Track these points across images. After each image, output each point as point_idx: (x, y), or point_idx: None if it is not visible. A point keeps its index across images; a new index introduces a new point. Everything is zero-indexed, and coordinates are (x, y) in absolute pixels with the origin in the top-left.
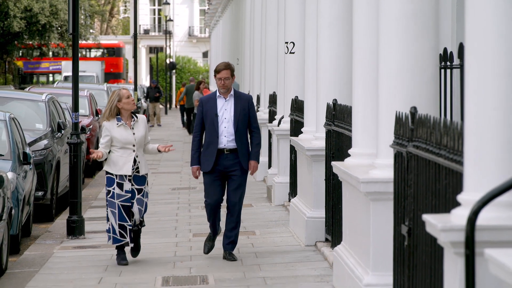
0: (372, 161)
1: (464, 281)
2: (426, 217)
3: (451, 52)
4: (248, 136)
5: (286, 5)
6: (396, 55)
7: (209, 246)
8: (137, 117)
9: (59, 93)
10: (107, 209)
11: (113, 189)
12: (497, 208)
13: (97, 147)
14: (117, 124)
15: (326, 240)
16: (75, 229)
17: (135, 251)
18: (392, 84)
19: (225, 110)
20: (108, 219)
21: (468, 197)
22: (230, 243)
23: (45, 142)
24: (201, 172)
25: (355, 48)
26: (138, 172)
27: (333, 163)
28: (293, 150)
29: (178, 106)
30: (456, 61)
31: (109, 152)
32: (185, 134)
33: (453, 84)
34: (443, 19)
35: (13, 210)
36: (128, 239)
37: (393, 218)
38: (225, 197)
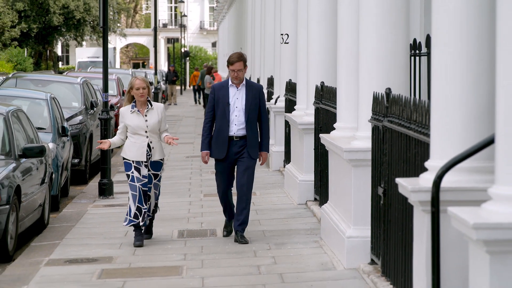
0: (353, 133)
1: (430, 233)
2: (399, 180)
3: (419, 42)
4: (258, 125)
5: (282, 2)
6: (374, 44)
7: (227, 230)
8: (151, 105)
9: (92, 77)
10: (129, 192)
11: (132, 173)
12: (458, 173)
13: None
14: (131, 110)
15: (315, 199)
16: (105, 190)
17: (147, 233)
18: (370, 69)
19: (237, 99)
20: (130, 213)
21: (433, 163)
22: (241, 224)
23: (80, 117)
24: (211, 158)
25: (339, 39)
26: (151, 158)
27: (321, 135)
28: (287, 124)
29: (191, 87)
30: (424, 49)
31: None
32: (198, 110)
33: (421, 69)
34: (413, 14)
35: (53, 175)
36: (140, 220)
37: (371, 181)
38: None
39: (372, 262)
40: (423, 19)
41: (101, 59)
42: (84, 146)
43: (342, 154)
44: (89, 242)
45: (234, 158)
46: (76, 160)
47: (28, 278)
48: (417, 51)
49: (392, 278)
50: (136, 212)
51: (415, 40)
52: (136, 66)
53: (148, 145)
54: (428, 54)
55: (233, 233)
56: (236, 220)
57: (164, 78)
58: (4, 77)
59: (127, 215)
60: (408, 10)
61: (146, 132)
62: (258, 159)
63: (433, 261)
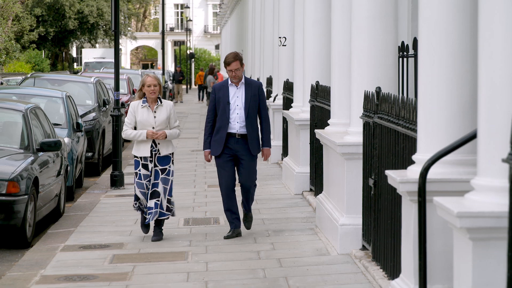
0: (346, 129)
1: (417, 221)
2: (388, 172)
3: (407, 45)
4: (258, 121)
5: (279, 7)
6: (365, 46)
7: (228, 235)
8: (161, 102)
9: (104, 77)
10: (135, 190)
11: (139, 170)
12: (443, 165)
13: None
14: (142, 105)
15: (311, 190)
16: (116, 181)
17: (156, 236)
18: (361, 69)
19: (237, 98)
20: (135, 199)
21: (420, 157)
22: (245, 206)
23: (93, 114)
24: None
25: (333, 41)
26: (159, 153)
27: (316, 130)
28: (285, 121)
29: (197, 86)
30: (411, 51)
31: None
32: (201, 107)
33: (409, 69)
34: (401, 18)
35: (68, 167)
36: (137, 209)
37: (362, 173)
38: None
39: (364, 248)
40: (411, 23)
41: (107, 60)
42: (97, 141)
43: (336, 148)
44: (102, 230)
45: (235, 155)
46: (89, 154)
47: (45, 262)
48: (405, 53)
49: (382, 263)
50: (137, 202)
51: (403, 42)
52: (145, 67)
53: (154, 141)
54: (415, 56)
55: (230, 234)
56: (243, 205)
57: (171, 78)
58: (23, 77)
59: (146, 214)
60: (397, 15)
61: (153, 128)
62: (261, 155)
63: (420, 247)
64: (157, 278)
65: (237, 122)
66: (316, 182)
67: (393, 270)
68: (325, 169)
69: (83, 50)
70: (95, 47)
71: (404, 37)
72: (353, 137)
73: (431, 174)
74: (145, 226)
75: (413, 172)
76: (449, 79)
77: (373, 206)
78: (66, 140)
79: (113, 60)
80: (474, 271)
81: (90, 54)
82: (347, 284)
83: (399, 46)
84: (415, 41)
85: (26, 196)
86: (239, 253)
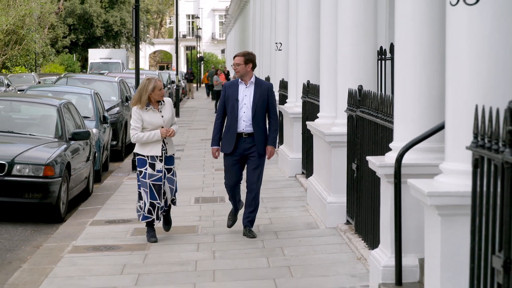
0: (332, 121)
1: (394, 200)
2: (369, 158)
3: (385, 49)
4: (267, 121)
5: (276, 17)
6: (349, 51)
7: (232, 220)
8: (163, 101)
9: (126, 77)
10: (139, 188)
11: (145, 169)
12: (415, 152)
13: None
14: (146, 108)
15: (302, 173)
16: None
17: (166, 224)
18: (346, 70)
19: (245, 96)
20: (139, 198)
21: (396, 144)
22: (249, 221)
23: (117, 109)
24: (221, 153)
25: (322, 46)
26: (166, 152)
27: (307, 122)
28: (280, 114)
29: (204, 84)
30: (388, 55)
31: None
32: (209, 102)
33: (386, 70)
34: (380, 26)
35: (96, 154)
36: (154, 217)
37: (346, 158)
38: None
39: (348, 222)
40: (388, 31)
41: (113, 60)
42: (121, 131)
43: (324, 137)
44: (124, 207)
45: (243, 155)
46: (114, 142)
47: (76, 235)
48: (383, 56)
49: (363, 235)
50: (150, 208)
51: (381, 47)
52: (161, 68)
53: (163, 141)
54: (392, 59)
55: (233, 224)
56: (245, 216)
57: (183, 78)
58: (57, 77)
59: (140, 211)
60: (376, 24)
61: (162, 127)
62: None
63: (396, 222)
64: (171, 248)
65: (243, 121)
66: (307, 166)
67: (373, 241)
68: (315, 155)
69: (89, 50)
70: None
71: (383, 43)
72: (339, 128)
73: (406, 159)
74: (152, 235)
75: (390, 158)
76: (420, 79)
77: (355, 187)
78: (94, 130)
79: (119, 61)
80: (442, 242)
81: (96, 55)
82: (334, 253)
83: (378, 50)
84: (391, 46)
85: (60, 178)
86: (241, 227)
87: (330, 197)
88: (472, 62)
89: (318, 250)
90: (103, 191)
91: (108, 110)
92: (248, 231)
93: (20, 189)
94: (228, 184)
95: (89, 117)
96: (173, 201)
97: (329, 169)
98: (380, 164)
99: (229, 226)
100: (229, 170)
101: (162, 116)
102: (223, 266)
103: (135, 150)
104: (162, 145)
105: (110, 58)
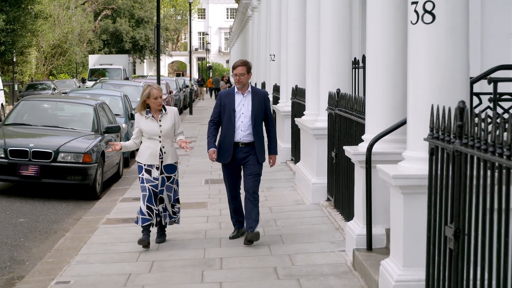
0: (316, 118)
1: (365, 181)
2: (345, 147)
3: (358, 59)
4: (264, 129)
5: (270, 33)
6: (328, 61)
7: (233, 235)
8: (165, 110)
9: (149, 81)
10: (142, 192)
11: (142, 175)
12: (383, 142)
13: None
14: (145, 116)
15: (292, 159)
16: None
17: (159, 237)
18: (326, 76)
19: (243, 106)
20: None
21: (367, 136)
22: (252, 225)
23: None
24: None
25: (307, 56)
26: (163, 161)
27: (295, 119)
28: (274, 112)
29: (208, 87)
30: (361, 64)
31: (141, 142)
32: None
33: (359, 77)
34: (354, 40)
35: None
36: (154, 220)
37: (327, 148)
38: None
39: (328, 199)
40: (361, 44)
41: (113, 67)
42: None
43: (309, 131)
44: None
45: (240, 164)
46: None
47: (110, 209)
48: (357, 65)
49: (341, 210)
50: (147, 211)
51: (355, 58)
52: (178, 75)
53: (161, 150)
54: (364, 67)
55: (233, 234)
56: (247, 221)
57: (196, 83)
58: (94, 82)
59: (138, 214)
60: (351, 38)
61: (159, 137)
62: (268, 161)
63: (367, 199)
64: (185, 220)
65: (240, 130)
66: (296, 155)
67: (348, 214)
68: (301, 145)
69: (89, 56)
70: (143, 62)
71: (356, 54)
72: (321, 123)
73: (375, 148)
74: (145, 238)
75: (362, 147)
76: (387, 83)
77: (334, 171)
78: (124, 125)
79: (120, 67)
80: (404, 216)
81: (96, 61)
82: (317, 224)
83: (352, 60)
84: (363, 57)
85: (96, 164)
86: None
87: (314, 179)
88: (428, 69)
89: (304, 222)
90: (131, 174)
91: (134, 109)
92: (250, 236)
93: (64, 172)
94: (229, 192)
95: (119, 115)
96: (176, 220)
97: (313, 157)
98: (354, 152)
99: (231, 238)
100: (228, 179)
101: (160, 126)
102: (227, 235)
103: (136, 157)
104: (160, 154)
105: (111, 64)
